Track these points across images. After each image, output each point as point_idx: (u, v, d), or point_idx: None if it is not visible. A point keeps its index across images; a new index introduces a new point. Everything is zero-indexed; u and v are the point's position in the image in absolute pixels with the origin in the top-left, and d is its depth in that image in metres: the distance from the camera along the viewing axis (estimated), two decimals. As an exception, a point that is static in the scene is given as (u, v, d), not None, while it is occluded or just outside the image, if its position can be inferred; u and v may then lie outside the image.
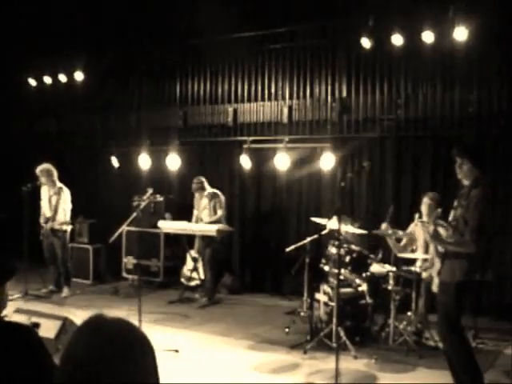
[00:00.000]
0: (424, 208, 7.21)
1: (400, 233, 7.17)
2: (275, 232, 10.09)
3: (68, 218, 9.51)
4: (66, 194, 9.50)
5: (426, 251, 7.21)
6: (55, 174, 9.47)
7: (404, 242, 7.45)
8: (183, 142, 10.41)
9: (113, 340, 1.50)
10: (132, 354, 1.50)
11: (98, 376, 1.44)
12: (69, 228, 9.63)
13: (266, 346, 7.07)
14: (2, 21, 11.67)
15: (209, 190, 9.33)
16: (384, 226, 7.17)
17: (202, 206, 9.37)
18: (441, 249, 5.16)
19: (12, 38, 11.71)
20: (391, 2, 8.61)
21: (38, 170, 9.37)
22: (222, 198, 9.33)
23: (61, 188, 9.49)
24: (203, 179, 9.38)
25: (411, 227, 7.46)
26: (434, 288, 5.37)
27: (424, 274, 7.04)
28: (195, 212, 9.53)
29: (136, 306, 6.76)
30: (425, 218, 7.23)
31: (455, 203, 5.20)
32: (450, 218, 5.19)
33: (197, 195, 9.47)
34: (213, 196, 9.28)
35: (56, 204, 9.45)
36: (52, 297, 9.38)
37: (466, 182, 5.17)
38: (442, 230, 6.96)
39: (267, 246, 10.12)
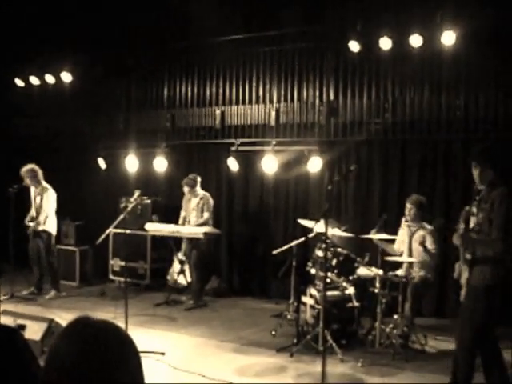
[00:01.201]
0: (406, 212, 7.27)
1: (385, 236, 7.19)
2: (262, 235, 10.08)
3: (44, 218, 9.34)
4: (50, 195, 9.44)
5: (411, 254, 7.24)
6: (40, 174, 9.40)
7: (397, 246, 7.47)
8: (171, 144, 10.40)
9: (97, 342, 1.49)
10: (116, 356, 1.49)
11: (82, 378, 1.44)
12: (53, 231, 9.56)
13: (253, 348, 7.06)
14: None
15: (199, 191, 9.31)
16: (373, 232, 7.25)
17: (191, 207, 9.33)
18: (468, 256, 5.05)
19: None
20: (379, 5, 8.65)
21: (22, 170, 9.32)
22: (211, 201, 9.30)
23: (45, 188, 9.43)
24: (198, 179, 9.32)
25: (400, 232, 7.49)
26: (462, 298, 5.22)
27: (416, 277, 7.06)
28: (182, 213, 9.48)
29: (122, 309, 6.75)
30: (410, 222, 7.28)
31: (473, 209, 5.05)
32: (472, 225, 5.04)
33: (186, 196, 9.42)
34: (202, 198, 9.26)
35: (39, 204, 9.40)
36: (38, 299, 9.31)
37: (481, 187, 5.10)
38: (430, 241, 7.01)
39: (254, 249, 10.11)
